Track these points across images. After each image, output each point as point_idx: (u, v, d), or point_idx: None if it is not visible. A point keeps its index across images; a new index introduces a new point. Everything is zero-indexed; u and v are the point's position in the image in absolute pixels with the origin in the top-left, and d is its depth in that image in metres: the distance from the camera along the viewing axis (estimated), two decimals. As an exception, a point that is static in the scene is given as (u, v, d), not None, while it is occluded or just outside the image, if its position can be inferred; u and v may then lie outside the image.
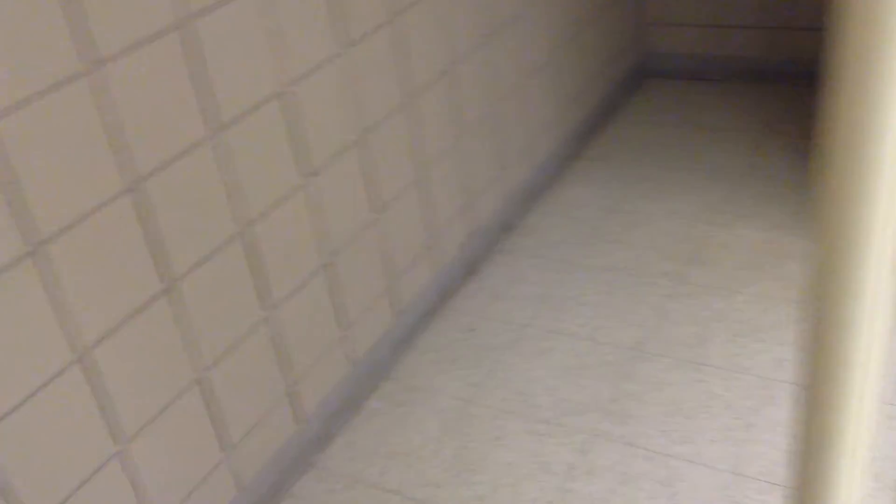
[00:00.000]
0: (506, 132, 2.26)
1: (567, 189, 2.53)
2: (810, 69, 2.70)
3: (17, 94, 1.09)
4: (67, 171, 1.17)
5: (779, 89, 2.88)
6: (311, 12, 1.54)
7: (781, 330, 1.89)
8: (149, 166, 1.28)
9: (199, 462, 1.47)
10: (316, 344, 1.70)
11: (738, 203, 2.34)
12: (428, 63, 1.89)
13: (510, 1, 2.16)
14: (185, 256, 1.37)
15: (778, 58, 2.89)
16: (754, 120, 2.75)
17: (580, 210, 2.42)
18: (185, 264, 1.38)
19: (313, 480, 1.69)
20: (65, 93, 1.15)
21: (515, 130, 2.30)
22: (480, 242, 2.23)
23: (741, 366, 1.81)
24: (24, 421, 1.16)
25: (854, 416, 0.66)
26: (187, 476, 1.45)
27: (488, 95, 2.14)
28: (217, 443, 1.50)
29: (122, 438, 1.32)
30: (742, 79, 2.97)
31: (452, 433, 1.76)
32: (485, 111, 2.14)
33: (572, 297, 2.08)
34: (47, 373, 1.19)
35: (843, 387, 0.64)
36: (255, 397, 1.57)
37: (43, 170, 1.14)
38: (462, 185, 2.11)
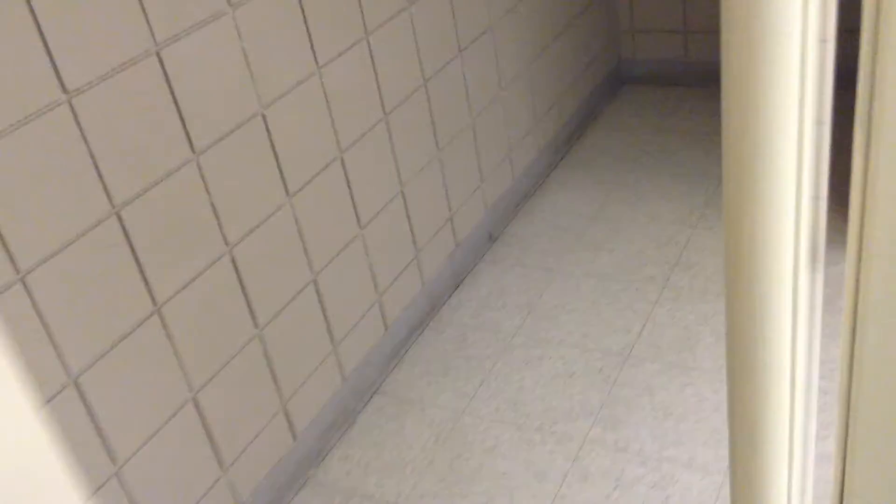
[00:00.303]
0: (485, 143, 2.27)
1: (549, 197, 2.55)
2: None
3: None
4: (49, 199, 1.17)
5: (753, 93, 2.92)
6: (283, 33, 1.55)
7: (766, 331, 1.91)
8: (130, 192, 1.28)
9: (196, 481, 1.47)
10: (307, 360, 1.71)
11: (719, 206, 2.37)
12: (403, 78, 1.90)
13: (483, 14, 2.18)
14: (172, 278, 1.38)
15: (752, 62, 2.93)
16: (731, 124, 2.78)
17: (563, 217, 2.44)
18: (173, 286, 1.38)
19: (310, 495, 1.69)
20: (42, 122, 1.15)
21: (495, 141, 2.32)
22: (466, 253, 2.25)
23: (728, 368, 1.83)
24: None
25: (778, 405, 0.68)
26: (185, 495, 1.45)
27: (465, 108, 2.16)
28: (213, 461, 1.50)
29: (117, 460, 1.32)
30: (717, 83, 3.01)
31: (446, 444, 1.77)
32: (463, 123, 2.16)
33: (559, 305, 2.10)
34: (39, 397, 1.19)
35: (767, 375, 0.66)
36: (248, 415, 1.57)
37: (24, 199, 1.14)
38: (444, 197, 2.12)
